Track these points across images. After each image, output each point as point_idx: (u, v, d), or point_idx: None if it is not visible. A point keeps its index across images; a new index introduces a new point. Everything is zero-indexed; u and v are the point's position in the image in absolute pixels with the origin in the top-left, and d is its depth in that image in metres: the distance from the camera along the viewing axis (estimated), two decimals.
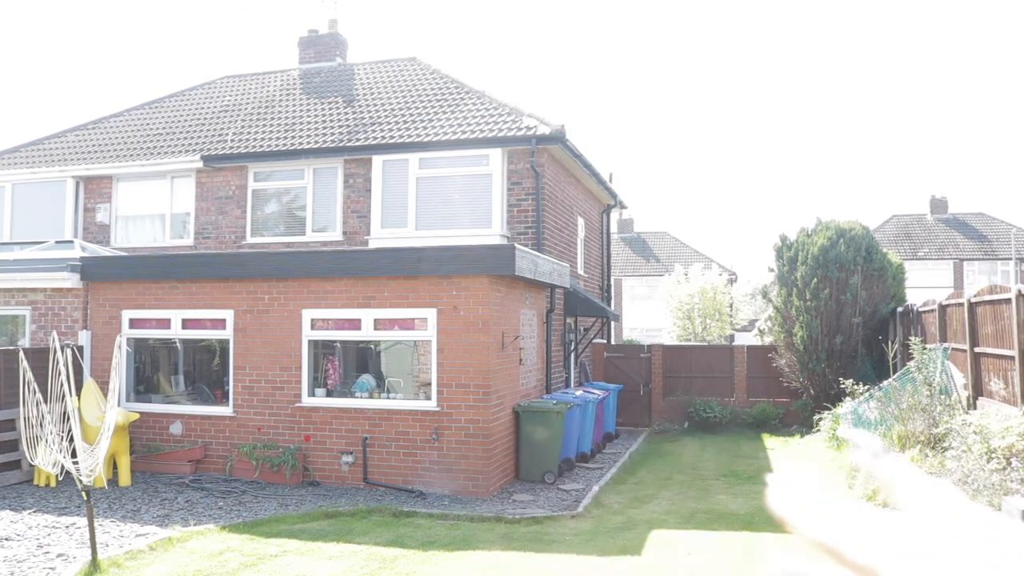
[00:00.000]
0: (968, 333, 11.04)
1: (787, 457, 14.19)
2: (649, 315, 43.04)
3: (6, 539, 8.46)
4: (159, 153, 17.27)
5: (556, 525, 9.23)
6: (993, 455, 7.80)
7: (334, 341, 12.01)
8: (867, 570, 0.56)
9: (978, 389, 10.85)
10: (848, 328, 16.56)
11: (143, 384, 13.01)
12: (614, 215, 23.89)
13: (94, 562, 7.39)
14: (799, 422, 17.45)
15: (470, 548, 8.17)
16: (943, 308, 12.87)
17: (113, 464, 11.39)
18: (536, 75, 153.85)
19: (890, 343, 15.32)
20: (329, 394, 11.84)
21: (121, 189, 17.39)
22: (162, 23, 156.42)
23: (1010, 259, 41.63)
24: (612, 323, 23.41)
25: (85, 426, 10.84)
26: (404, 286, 11.35)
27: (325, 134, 16.24)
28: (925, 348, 11.73)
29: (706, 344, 25.33)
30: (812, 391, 17.16)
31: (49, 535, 8.66)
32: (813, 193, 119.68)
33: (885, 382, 12.84)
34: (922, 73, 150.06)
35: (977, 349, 10.82)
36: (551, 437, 11.87)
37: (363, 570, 7.46)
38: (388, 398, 11.71)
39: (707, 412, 17.91)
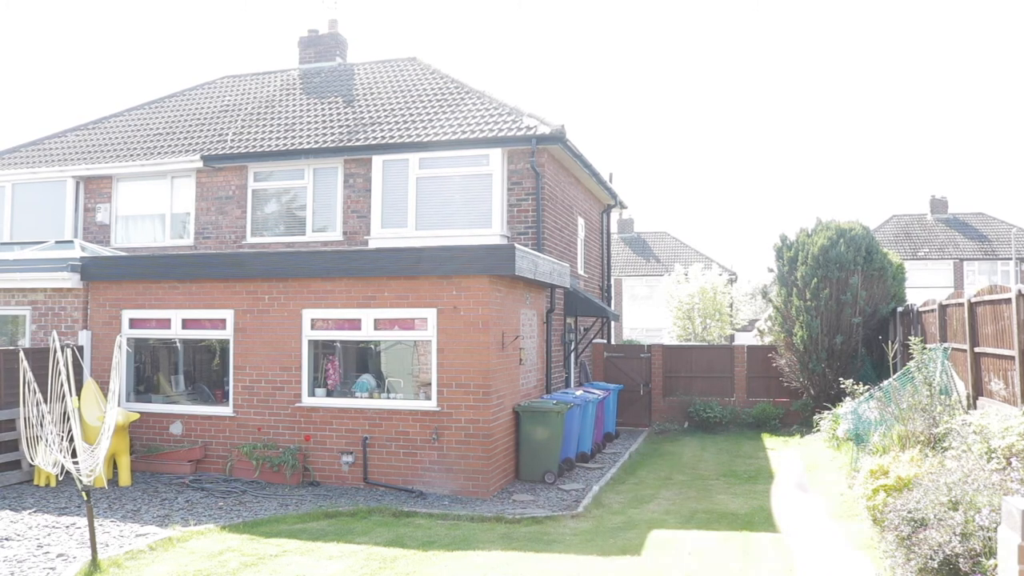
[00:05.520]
0: (968, 333, 11.04)
1: (787, 458, 14.19)
2: (649, 315, 43.07)
3: (6, 539, 8.46)
4: (159, 153, 17.28)
5: (556, 525, 9.23)
6: (993, 455, 7.80)
7: (334, 341, 12.01)
8: None
9: (978, 389, 10.85)
10: (848, 328, 16.57)
11: (143, 384, 13.01)
12: (614, 215, 23.91)
13: (94, 562, 7.40)
14: (799, 422, 17.46)
15: (470, 548, 8.17)
16: (943, 308, 12.87)
17: (113, 464, 11.39)
18: (536, 75, 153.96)
19: (890, 343, 15.32)
20: (329, 394, 11.84)
21: (121, 189, 17.40)
22: (162, 23, 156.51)
23: (1010, 259, 41.64)
24: (612, 323, 23.42)
25: (85, 426, 10.84)
26: (404, 286, 11.36)
27: (325, 134, 16.25)
28: (925, 348, 11.73)
29: (706, 344, 25.33)
30: (812, 391, 17.17)
31: (49, 535, 8.66)
32: (813, 193, 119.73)
33: (885, 382, 12.83)
34: (922, 73, 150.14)
35: (977, 349, 10.82)
36: (551, 437, 11.88)
37: (363, 570, 7.47)
38: (388, 398, 11.71)
39: (707, 412, 17.92)
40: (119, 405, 11.40)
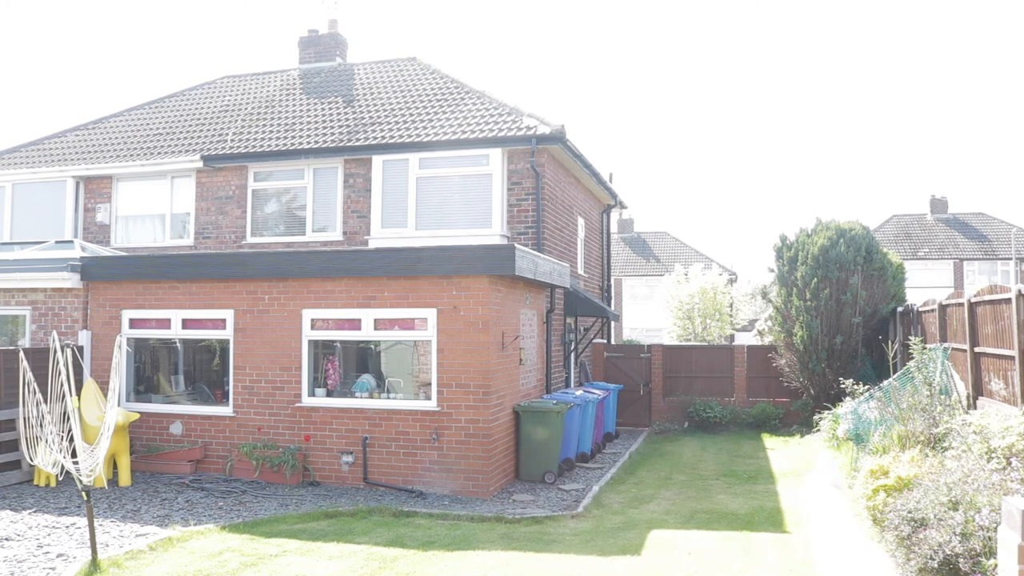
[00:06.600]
0: (968, 333, 11.03)
1: (787, 458, 14.19)
2: (649, 315, 43.07)
3: (6, 539, 8.46)
4: (159, 153, 17.28)
5: (556, 525, 9.23)
6: (993, 455, 7.80)
7: (334, 341, 12.01)
8: None
9: (978, 389, 10.85)
10: (848, 328, 16.56)
11: (143, 384, 13.01)
12: (614, 215, 23.90)
13: (94, 562, 7.40)
14: (799, 422, 17.46)
15: (470, 548, 8.17)
16: (943, 308, 12.86)
17: (113, 464, 11.39)
18: (536, 75, 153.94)
19: (890, 343, 15.32)
20: (329, 394, 11.84)
21: (121, 189, 17.40)
22: (162, 23, 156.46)
23: (1010, 259, 41.65)
24: (612, 323, 23.42)
25: (85, 426, 10.84)
26: (404, 286, 11.36)
27: (325, 134, 16.25)
28: (925, 348, 11.73)
29: (706, 344, 25.32)
30: (812, 391, 17.17)
31: (49, 535, 8.66)
32: (813, 193, 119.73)
33: (885, 382, 12.83)
34: (922, 73, 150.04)
35: (977, 349, 10.81)
36: (551, 437, 11.87)
37: (363, 570, 7.47)
38: (388, 398, 11.71)
39: (707, 412, 17.92)
40: (119, 405, 11.41)
